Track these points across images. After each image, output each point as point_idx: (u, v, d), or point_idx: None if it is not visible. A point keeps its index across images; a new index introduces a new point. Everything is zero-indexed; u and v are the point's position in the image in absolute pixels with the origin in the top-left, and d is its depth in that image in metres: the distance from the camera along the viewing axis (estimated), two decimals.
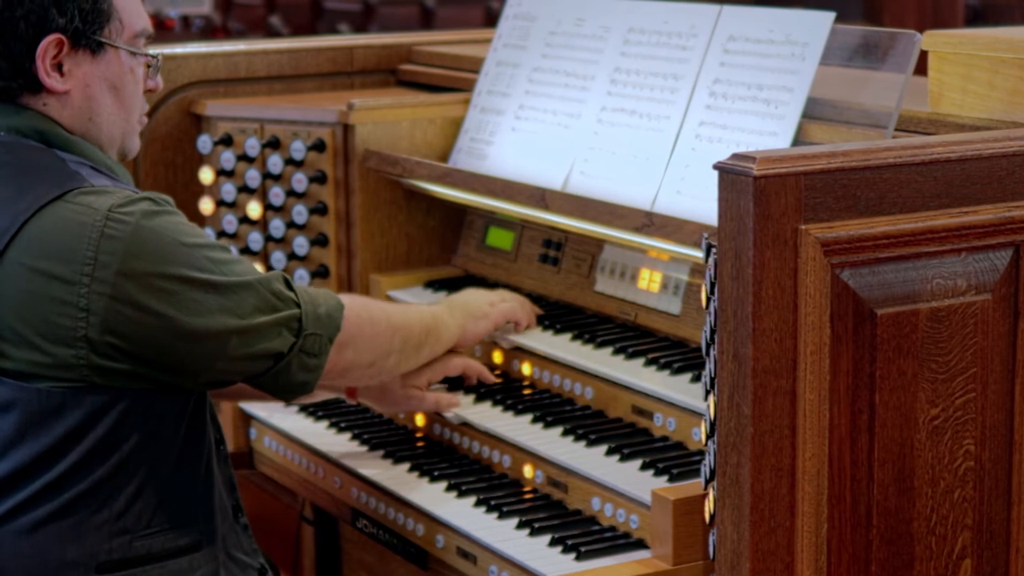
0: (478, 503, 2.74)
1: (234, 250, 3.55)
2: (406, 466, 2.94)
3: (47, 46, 2.53)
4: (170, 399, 2.55)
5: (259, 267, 3.52)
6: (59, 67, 2.56)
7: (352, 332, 2.69)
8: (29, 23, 2.52)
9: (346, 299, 2.72)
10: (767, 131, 2.82)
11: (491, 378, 3.06)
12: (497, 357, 3.13)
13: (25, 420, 2.48)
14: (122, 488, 2.52)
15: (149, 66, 2.69)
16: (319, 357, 2.62)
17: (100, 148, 2.64)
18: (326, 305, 2.64)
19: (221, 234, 3.59)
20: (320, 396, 3.18)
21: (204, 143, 3.59)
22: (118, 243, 2.43)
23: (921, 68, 2.70)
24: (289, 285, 2.60)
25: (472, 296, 3.08)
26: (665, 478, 2.59)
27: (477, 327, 3.02)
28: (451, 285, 3.39)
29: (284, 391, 2.64)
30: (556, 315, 3.15)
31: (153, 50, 2.74)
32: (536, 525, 2.63)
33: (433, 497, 2.80)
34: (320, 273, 3.49)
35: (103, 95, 2.61)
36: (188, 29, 11.85)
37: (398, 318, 2.84)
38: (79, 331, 2.43)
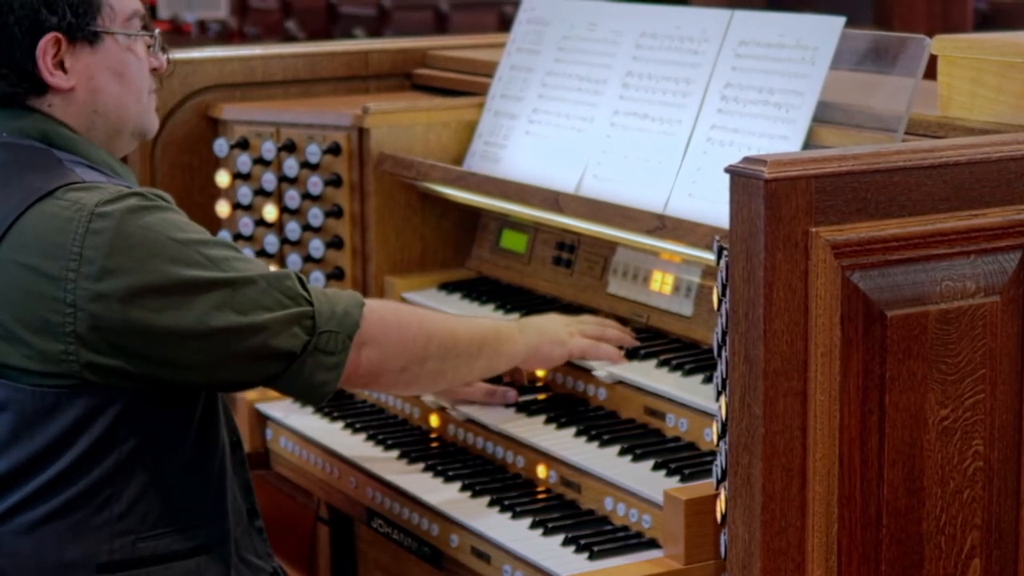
0: (492, 503, 2.76)
1: (250, 252, 3.57)
2: (421, 466, 2.96)
3: (45, 46, 2.54)
4: (173, 401, 2.53)
5: (272, 268, 3.53)
6: (61, 64, 2.56)
7: (373, 331, 2.61)
8: (23, 28, 2.53)
9: (374, 301, 2.66)
10: (778, 134, 2.83)
11: (515, 400, 3.00)
12: None
13: (19, 420, 2.47)
14: (124, 489, 2.50)
15: (149, 46, 2.68)
16: (337, 355, 2.55)
17: (109, 141, 2.64)
18: (345, 304, 2.59)
19: (237, 236, 3.61)
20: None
21: (220, 146, 3.61)
22: (102, 238, 2.41)
23: (931, 72, 2.71)
24: (302, 283, 2.55)
25: (550, 319, 2.97)
26: (677, 478, 2.60)
27: (552, 352, 2.90)
28: (465, 287, 3.41)
29: (304, 393, 2.59)
30: None
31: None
32: (549, 525, 2.64)
33: (447, 497, 2.81)
34: (335, 275, 3.50)
35: (108, 84, 2.61)
36: (204, 33, 11.90)
37: (436, 325, 2.75)
38: (67, 327, 2.41)
